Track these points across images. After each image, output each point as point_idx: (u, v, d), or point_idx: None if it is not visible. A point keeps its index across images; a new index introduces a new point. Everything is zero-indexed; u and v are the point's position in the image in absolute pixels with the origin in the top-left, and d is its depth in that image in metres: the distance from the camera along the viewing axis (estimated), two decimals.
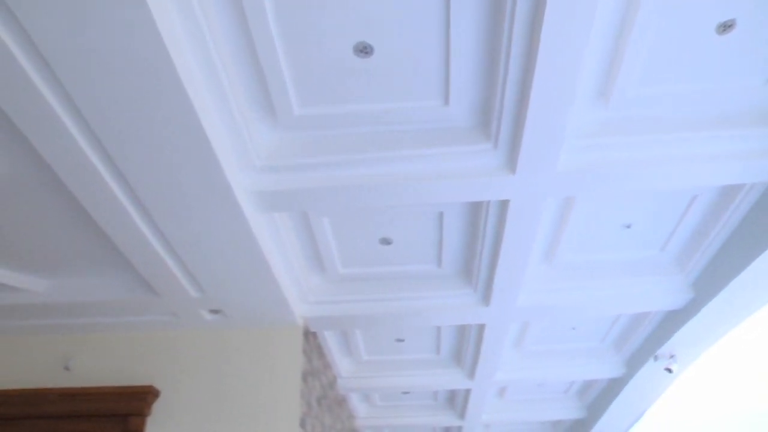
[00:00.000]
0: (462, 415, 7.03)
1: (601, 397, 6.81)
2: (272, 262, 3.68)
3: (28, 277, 4.11)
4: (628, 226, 3.90)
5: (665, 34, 2.62)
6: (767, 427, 7.30)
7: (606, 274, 4.35)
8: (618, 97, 2.86)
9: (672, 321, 4.88)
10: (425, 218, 3.72)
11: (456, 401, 6.90)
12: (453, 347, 5.60)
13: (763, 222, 3.63)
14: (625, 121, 2.98)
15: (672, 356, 5.19)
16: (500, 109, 2.74)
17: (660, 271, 4.39)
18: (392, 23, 2.46)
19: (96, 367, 4.45)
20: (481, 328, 4.86)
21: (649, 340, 5.36)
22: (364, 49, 2.58)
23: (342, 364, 5.68)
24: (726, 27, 2.61)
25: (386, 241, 3.94)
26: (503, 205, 3.39)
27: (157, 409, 4.23)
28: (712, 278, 4.22)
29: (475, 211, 3.61)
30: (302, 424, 4.20)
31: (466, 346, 5.37)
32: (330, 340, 5.14)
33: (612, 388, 6.39)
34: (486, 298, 4.35)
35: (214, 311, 4.23)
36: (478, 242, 3.83)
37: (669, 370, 5.21)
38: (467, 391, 6.31)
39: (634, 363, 5.75)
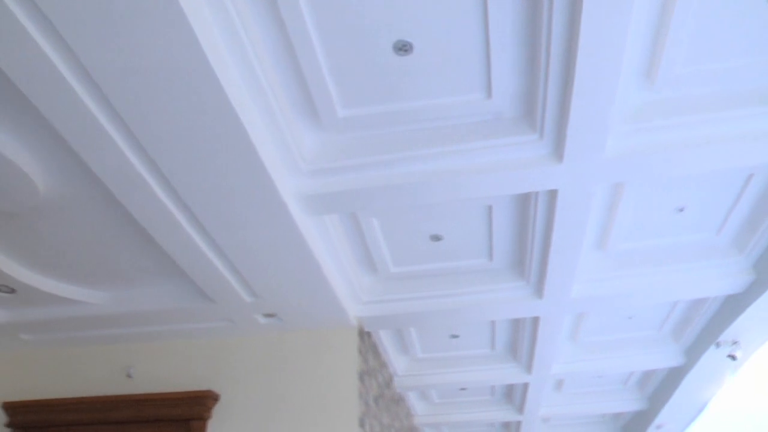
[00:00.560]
0: (520, 409, 6.98)
1: (661, 387, 6.67)
2: (324, 264, 3.71)
3: (88, 290, 4.25)
4: (682, 210, 3.81)
5: (710, 9, 2.54)
6: None
7: (661, 260, 4.26)
8: (664, 77, 2.80)
9: (733, 305, 4.75)
10: (474, 212, 3.71)
11: (514, 396, 6.85)
12: (508, 341, 5.56)
13: None
14: (672, 101, 2.91)
15: (735, 342, 5.04)
16: (544, 97, 2.71)
17: (717, 254, 4.27)
18: (430, 19, 2.46)
19: (157, 374, 4.57)
20: (536, 320, 4.81)
21: (710, 327, 5.23)
22: (403, 47, 2.58)
23: (398, 363, 5.70)
24: None
25: (436, 238, 3.94)
26: (552, 195, 3.35)
27: (218, 412, 4.32)
28: None
29: (523, 202, 3.58)
30: (361, 424, 4.23)
31: (521, 340, 5.32)
32: (385, 339, 5.17)
33: (672, 378, 6.24)
34: (539, 290, 4.31)
35: (269, 315, 4.29)
36: (528, 234, 3.80)
37: (732, 357, 5.07)
38: (524, 385, 6.27)
39: (694, 351, 5.61)
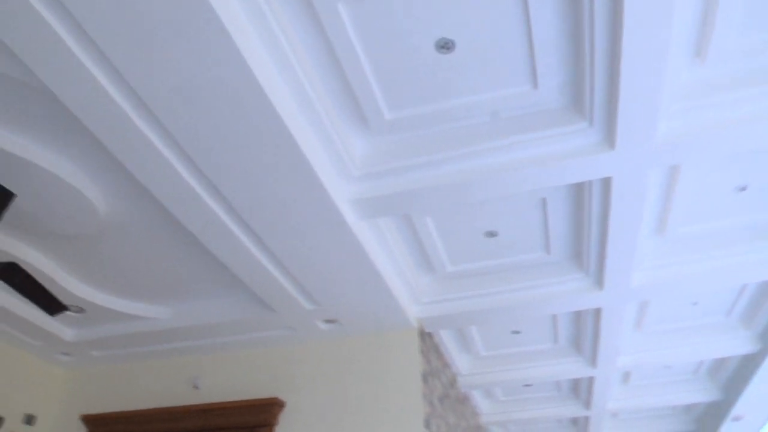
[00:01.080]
0: (587, 404, 6.86)
1: (735, 376, 6.43)
2: (381, 267, 3.74)
3: (152, 306, 4.40)
4: (743, 189, 3.70)
5: None
6: None
7: (723, 242, 4.14)
8: (716, 52, 2.72)
9: None
10: (528, 206, 3.68)
11: (580, 390, 6.74)
12: (571, 335, 5.48)
13: None
14: (725, 76, 2.83)
15: None
16: (591, 83, 2.68)
17: None
18: (470, 15, 2.47)
19: (222, 384, 4.68)
20: (598, 312, 4.73)
21: None
22: (445, 45, 2.60)
23: (461, 362, 5.68)
24: None
25: (492, 234, 3.92)
26: (606, 182, 3.30)
27: (284, 419, 4.39)
28: None
29: (577, 192, 3.54)
30: (427, 425, 4.23)
31: (584, 333, 5.24)
32: (446, 339, 5.16)
33: (747, 366, 6.01)
34: (599, 280, 4.24)
35: (329, 321, 4.34)
36: (584, 224, 3.75)
37: None
38: (590, 379, 6.16)
39: None
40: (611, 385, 6.28)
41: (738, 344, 5.58)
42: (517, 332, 5.34)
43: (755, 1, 2.56)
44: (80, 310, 4.33)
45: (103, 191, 3.22)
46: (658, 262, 4.23)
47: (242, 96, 2.41)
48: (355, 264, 3.63)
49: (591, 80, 2.66)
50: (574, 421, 7.90)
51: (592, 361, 5.63)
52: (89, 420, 4.79)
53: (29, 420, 4.75)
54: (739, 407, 6.58)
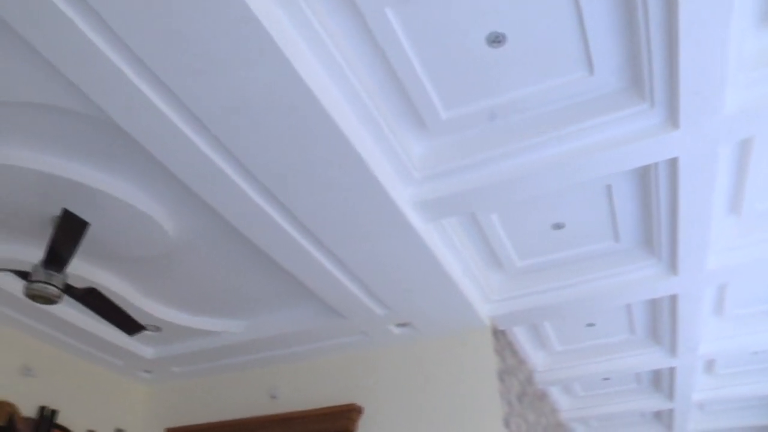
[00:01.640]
0: (670, 396, 6.63)
1: None
2: (449, 268, 3.74)
3: (227, 320, 4.53)
4: None
5: None
6: None
7: None
8: None
9: None
10: (593, 194, 3.62)
11: (661, 382, 6.53)
12: (648, 324, 5.33)
13: None
14: None
15: None
16: (649, 63, 2.61)
17: None
18: (519, 6, 2.45)
19: (299, 393, 4.76)
20: (674, 298, 4.59)
21: None
22: (496, 39, 2.59)
23: (536, 359, 5.61)
24: None
25: (558, 226, 3.87)
26: (672, 163, 3.20)
27: (363, 425, 4.42)
28: None
29: (643, 176, 3.45)
30: (506, 424, 4.19)
31: (661, 321, 5.09)
32: (520, 336, 5.11)
33: None
34: (673, 266, 4.11)
35: (402, 325, 4.36)
36: (653, 208, 3.65)
37: None
38: (671, 370, 5.96)
39: None
40: (695, 375, 6.06)
41: None
42: (591, 325, 5.23)
43: None
44: (157, 329, 4.49)
45: (169, 212, 3.34)
46: (735, 243, 4.07)
47: (301, 113, 2.48)
48: (424, 266, 3.64)
49: (649, 58, 2.58)
50: (658, 415, 7.66)
51: (672, 350, 5.46)
52: None
53: None
54: None
